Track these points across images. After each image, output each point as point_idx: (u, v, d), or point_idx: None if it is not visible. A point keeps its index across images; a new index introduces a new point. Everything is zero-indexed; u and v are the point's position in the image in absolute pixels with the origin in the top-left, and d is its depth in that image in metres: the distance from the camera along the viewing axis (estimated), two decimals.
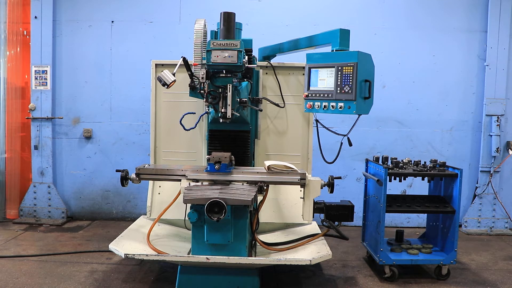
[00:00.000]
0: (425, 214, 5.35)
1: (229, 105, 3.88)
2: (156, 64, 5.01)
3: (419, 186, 6.13)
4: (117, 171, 4.15)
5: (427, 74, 6.53)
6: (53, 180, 6.53)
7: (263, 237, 4.46)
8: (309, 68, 3.97)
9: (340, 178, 4.43)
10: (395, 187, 5.80)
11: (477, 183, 6.53)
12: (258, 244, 4.27)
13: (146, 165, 4.31)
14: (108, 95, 6.56)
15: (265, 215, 4.76)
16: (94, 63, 6.54)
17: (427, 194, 5.06)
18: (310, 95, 3.97)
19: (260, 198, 4.13)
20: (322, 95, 3.96)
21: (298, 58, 4.84)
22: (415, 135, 6.58)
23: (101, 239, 5.66)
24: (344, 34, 4.03)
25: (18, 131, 6.57)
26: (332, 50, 4.07)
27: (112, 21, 6.51)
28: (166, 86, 3.95)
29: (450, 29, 6.50)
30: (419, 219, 6.60)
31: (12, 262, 4.78)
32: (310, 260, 3.72)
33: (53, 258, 4.94)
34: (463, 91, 6.55)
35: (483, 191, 6.46)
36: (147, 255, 3.77)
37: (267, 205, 4.39)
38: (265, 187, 3.98)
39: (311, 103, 3.97)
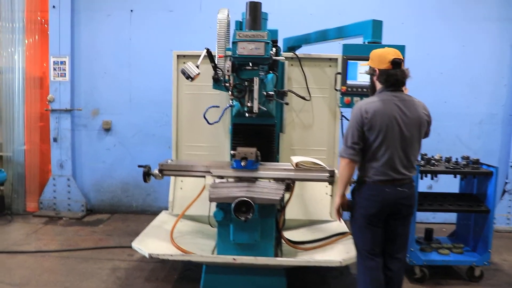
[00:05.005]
0: None
1: (255, 99, 3.73)
2: (178, 55, 4.88)
3: (445, 182, 5.90)
4: (139, 166, 4.00)
5: (456, 65, 6.27)
6: (72, 172, 6.46)
7: (288, 234, 4.32)
8: (346, 60, 3.76)
9: None
10: (421, 182, 5.59)
11: (506, 179, 6.29)
12: (283, 241, 4.14)
13: (169, 161, 4.19)
14: (128, 86, 6.44)
15: (290, 212, 4.59)
16: (113, 53, 6.42)
17: (455, 189, 4.87)
18: (348, 89, 3.78)
19: (286, 195, 3.99)
20: (362, 89, 3.76)
21: (321, 49, 4.66)
22: (442, 128, 6.32)
23: (121, 234, 5.58)
24: (376, 25, 3.86)
25: (37, 121, 6.49)
26: (364, 42, 3.89)
27: (131, 10, 6.36)
28: (190, 79, 3.81)
29: (479, 18, 6.22)
30: (445, 215, 6.36)
31: (34, 258, 4.73)
32: (340, 262, 3.60)
33: (74, 254, 4.87)
34: (493, 83, 6.29)
35: None
36: (171, 255, 3.67)
37: (292, 201, 4.24)
38: (292, 185, 3.83)
39: (350, 98, 3.79)
